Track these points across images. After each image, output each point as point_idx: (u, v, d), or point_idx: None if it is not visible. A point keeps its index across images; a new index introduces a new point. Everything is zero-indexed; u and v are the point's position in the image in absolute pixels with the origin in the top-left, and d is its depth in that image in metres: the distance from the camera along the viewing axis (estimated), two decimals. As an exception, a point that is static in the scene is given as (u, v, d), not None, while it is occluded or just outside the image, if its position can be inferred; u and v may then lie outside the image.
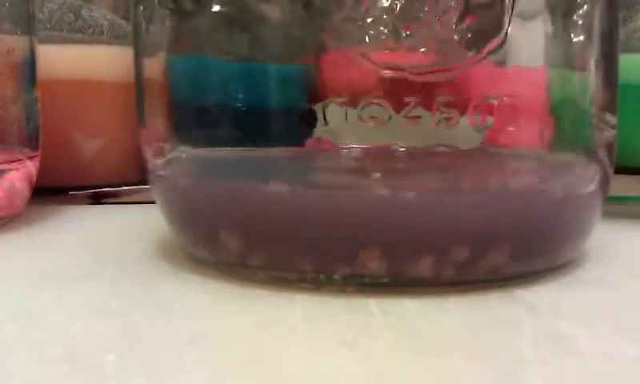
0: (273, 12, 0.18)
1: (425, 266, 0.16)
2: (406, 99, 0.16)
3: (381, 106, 0.16)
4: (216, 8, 0.19)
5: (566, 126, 0.18)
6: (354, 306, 0.15)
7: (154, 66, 0.20)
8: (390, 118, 0.16)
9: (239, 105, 0.18)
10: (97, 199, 0.30)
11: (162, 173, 0.19)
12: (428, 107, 0.16)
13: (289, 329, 0.14)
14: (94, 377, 0.12)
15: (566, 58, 0.18)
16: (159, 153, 0.19)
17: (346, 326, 0.14)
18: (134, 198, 0.30)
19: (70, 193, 0.31)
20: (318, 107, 0.17)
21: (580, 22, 0.18)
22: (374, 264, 0.16)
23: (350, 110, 0.16)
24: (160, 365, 0.12)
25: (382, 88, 0.16)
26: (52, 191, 0.30)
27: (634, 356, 0.13)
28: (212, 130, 0.18)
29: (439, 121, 0.16)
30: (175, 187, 0.19)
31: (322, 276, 0.16)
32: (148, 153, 0.20)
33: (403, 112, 0.16)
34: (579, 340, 0.13)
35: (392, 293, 0.16)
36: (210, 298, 0.16)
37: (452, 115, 0.16)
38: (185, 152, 0.19)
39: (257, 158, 0.18)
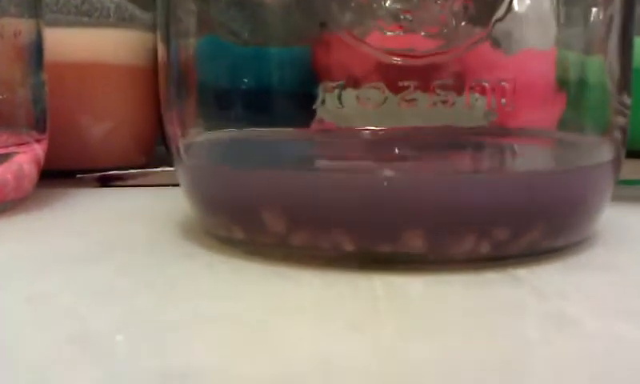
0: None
1: (467, 244, 0.16)
2: (419, 82, 0.16)
3: (393, 87, 0.16)
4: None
5: (584, 107, 0.18)
6: (365, 285, 0.15)
7: (183, 49, 0.20)
8: (416, 100, 0.16)
9: (268, 87, 0.18)
10: (104, 182, 0.31)
11: (193, 156, 0.20)
12: (445, 88, 0.16)
13: (301, 309, 0.14)
14: (104, 357, 0.12)
15: (585, 40, 0.18)
16: (188, 136, 0.20)
17: (353, 306, 0.14)
18: (141, 181, 0.31)
19: (78, 176, 0.31)
20: (335, 90, 0.17)
21: (599, 3, 0.18)
22: (417, 242, 0.16)
23: (378, 92, 0.17)
24: (169, 346, 0.12)
25: (397, 71, 0.17)
26: (59, 174, 0.30)
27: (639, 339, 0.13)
28: (240, 112, 0.18)
29: (454, 102, 0.16)
30: (210, 171, 0.19)
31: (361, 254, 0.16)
32: (176, 136, 0.20)
33: (429, 95, 0.16)
34: (585, 323, 0.13)
35: (399, 271, 0.16)
36: (218, 279, 0.16)
37: (473, 96, 0.16)
38: (215, 135, 0.20)
39: (288, 140, 0.19)
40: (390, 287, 0.15)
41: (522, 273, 0.16)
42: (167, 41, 0.20)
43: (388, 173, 0.17)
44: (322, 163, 0.19)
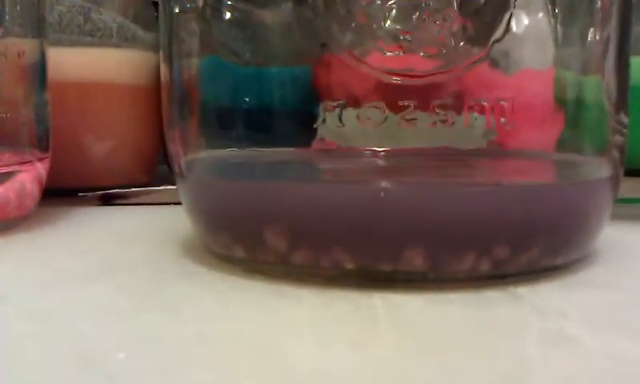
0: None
1: (467, 262, 0.16)
2: (413, 102, 0.16)
3: (393, 107, 0.17)
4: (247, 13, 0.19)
5: (582, 126, 0.19)
6: (366, 303, 0.15)
7: (185, 69, 0.20)
8: (416, 119, 0.17)
9: (269, 107, 0.18)
10: (106, 200, 0.31)
11: (194, 174, 0.20)
12: (442, 108, 0.17)
13: (303, 328, 0.14)
14: (105, 377, 0.12)
15: (582, 60, 0.18)
16: (190, 154, 0.20)
17: (353, 324, 0.14)
18: (143, 199, 0.31)
19: (80, 194, 0.31)
20: (335, 109, 0.17)
21: (596, 23, 0.18)
22: (418, 261, 0.16)
23: (378, 112, 0.17)
24: (170, 364, 0.12)
25: (397, 91, 0.17)
26: (62, 193, 0.30)
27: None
28: (243, 131, 0.18)
29: (454, 122, 0.17)
30: (212, 188, 0.19)
31: (363, 272, 0.17)
32: (178, 154, 0.20)
33: (428, 114, 0.17)
34: (585, 341, 0.13)
35: (400, 290, 0.16)
36: (219, 297, 0.16)
37: (472, 115, 0.17)
38: (216, 153, 0.20)
39: (289, 159, 0.19)
40: (391, 305, 0.15)
41: (523, 291, 0.16)
42: (170, 61, 0.20)
43: (387, 190, 0.17)
44: (321, 181, 0.19)
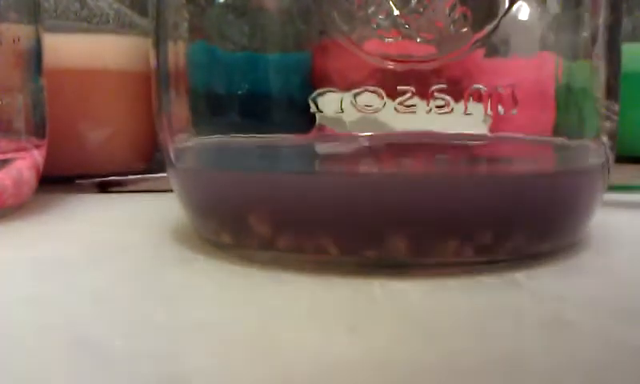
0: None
1: (450, 248, 0.16)
2: (410, 87, 0.16)
3: (392, 93, 0.17)
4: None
5: (573, 113, 0.19)
6: (362, 288, 0.15)
7: (174, 55, 0.20)
8: (414, 105, 0.16)
9: (258, 93, 0.18)
10: (103, 188, 0.31)
11: (182, 161, 0.20)
12: (429, 95, 0.16)
13: (299, 313, 0.14)
14: (103, 362, 0.12)
15: (573, 46, 0.18)
16: (179, 141, 0.20)
17: (352, 310, 0.14)
18: (141, 186, 0.31)
19: (77, 181, 0.31)
20: (326, 95, 0.17)
21: (586, 11, 0.18)
22: (400, 247, 0.16)
23: (376, 98, 0.17)
24: (168, 350, 0.12)
25: (395, 77, 0.17)
26: (59, 180, 0.30)
27: (636, 342, 0.13)
28: (232, 118, 0.18)
29: (452, 108, 0.17)
30: (199, 176, 0.19)
31: (347, 258, 0.17)
32: (167, 141, 0.20)
33: (427, 101, 0.17)
34: (581, 325, 0.13)
35: (398, 276, 0.16)
36: (217, 283, 0.16)
37: (471, 102, 0.17)
38: (204, 140, 0.20)
39: (276, 145, 0.19)
40: (389, 291, 0.15)
41: (520, 277, 0.16)
42: (158, 46, 0.20)
43: (368, 175, 0.17)
44: (304, 167, 0.19)
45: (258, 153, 0.19)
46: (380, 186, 0.16)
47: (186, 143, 0.20)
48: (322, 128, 0.17)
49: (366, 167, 0.17)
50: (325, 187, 0.17)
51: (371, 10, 0.17)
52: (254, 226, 0.17)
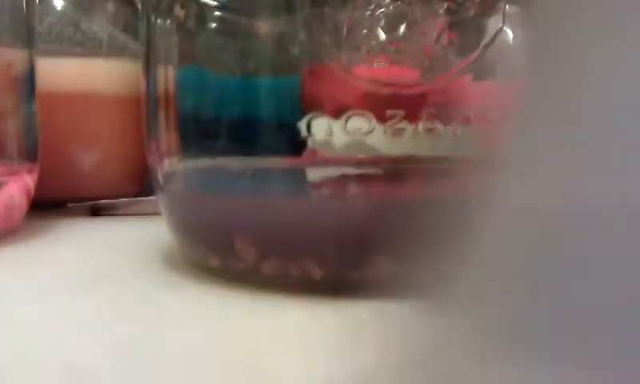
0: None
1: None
2: (397, 112, 0.17)
3: (381, 117, 0.17)
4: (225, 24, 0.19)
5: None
6: (350, 311, 0.15)
7: (164, 79, 0.20)
8: (404, 129, 0.17)
9: (247, 118, 0.18)
10: (95, 212, 0.31)
11: (171, 184, 0.20)
12: (416, 120, 0.17)
13: (287, 337, 0.14)
14: (89, 388, 0.12)
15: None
16: (168, 164, 0.20)
17: (338, 333, 0.14)
18: (132, 210, 0.31)
19: (69, 205, 0.31)
20: (317, 119, 0.17)
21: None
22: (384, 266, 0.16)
23: (366, 122, 0.17)
24: (157, 376, 0.12)
25: (385, 101, 0.17)
26: (50, 204, 0.30)
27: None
28: (221, 142, 0.19)
29: (441, 133, 0.17)
30: (187, 199, 0.19)
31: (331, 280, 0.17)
32: (156, 164, 0.20)
33: (415, 125, 0.17)
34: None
35: (385, 297, 0.16)
36: (205, 309, 0.16)
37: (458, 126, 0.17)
38: (193, 163, 0.20)
39: (263, 169, 0.19)
40: (375, 312, 0.15)
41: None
42: (148, 69, 0.20)
43: (352, 199, 0.17)
44: (288, 190, 0.19)
45: (244, 176, 0.19)
46: (363, 209, 0.16)
47: (174, 167, 0.20)
48: (312, 152, 0.17)
49: (349, 191, 0.17)
50: (308, 210, 0.17)
51: (361, 35, 0.17)
52: (240, 250, 0.17)
